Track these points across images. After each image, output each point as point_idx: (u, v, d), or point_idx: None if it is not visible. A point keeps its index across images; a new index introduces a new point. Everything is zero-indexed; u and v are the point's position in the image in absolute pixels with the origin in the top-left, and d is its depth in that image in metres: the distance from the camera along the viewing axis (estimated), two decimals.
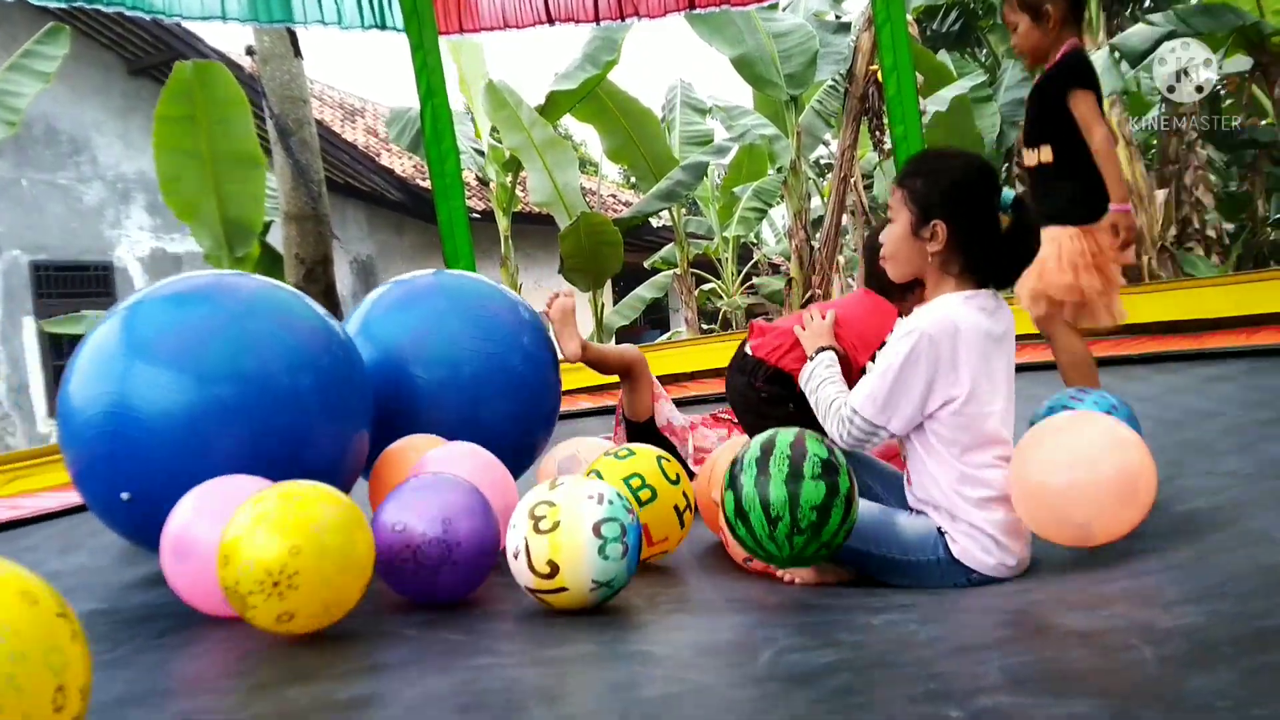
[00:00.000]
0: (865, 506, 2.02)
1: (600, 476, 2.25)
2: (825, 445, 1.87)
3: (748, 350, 2.64)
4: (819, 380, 2.16)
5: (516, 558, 1.90)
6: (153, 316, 2.42)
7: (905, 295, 2.45)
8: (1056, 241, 2.81)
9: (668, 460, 2.32)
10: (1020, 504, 1.92)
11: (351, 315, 3.06)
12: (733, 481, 1.87)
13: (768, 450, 1.84)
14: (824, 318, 2.40)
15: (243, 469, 2.17)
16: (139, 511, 2.32)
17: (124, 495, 2.30)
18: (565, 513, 1.86)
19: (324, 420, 2.46)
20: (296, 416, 2.38)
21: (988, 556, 1.93)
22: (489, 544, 2.03)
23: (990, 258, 2.02)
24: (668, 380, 7.02)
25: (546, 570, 1.84)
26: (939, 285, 2.02)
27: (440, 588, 2.02)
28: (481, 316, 2.93)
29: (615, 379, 3.16)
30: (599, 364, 3.14)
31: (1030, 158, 2.89)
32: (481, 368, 2.84)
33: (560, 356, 3.14)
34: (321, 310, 2.64)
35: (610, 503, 1.89)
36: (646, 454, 2.32)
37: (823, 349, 2.24)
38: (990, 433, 1.96)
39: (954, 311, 1.95)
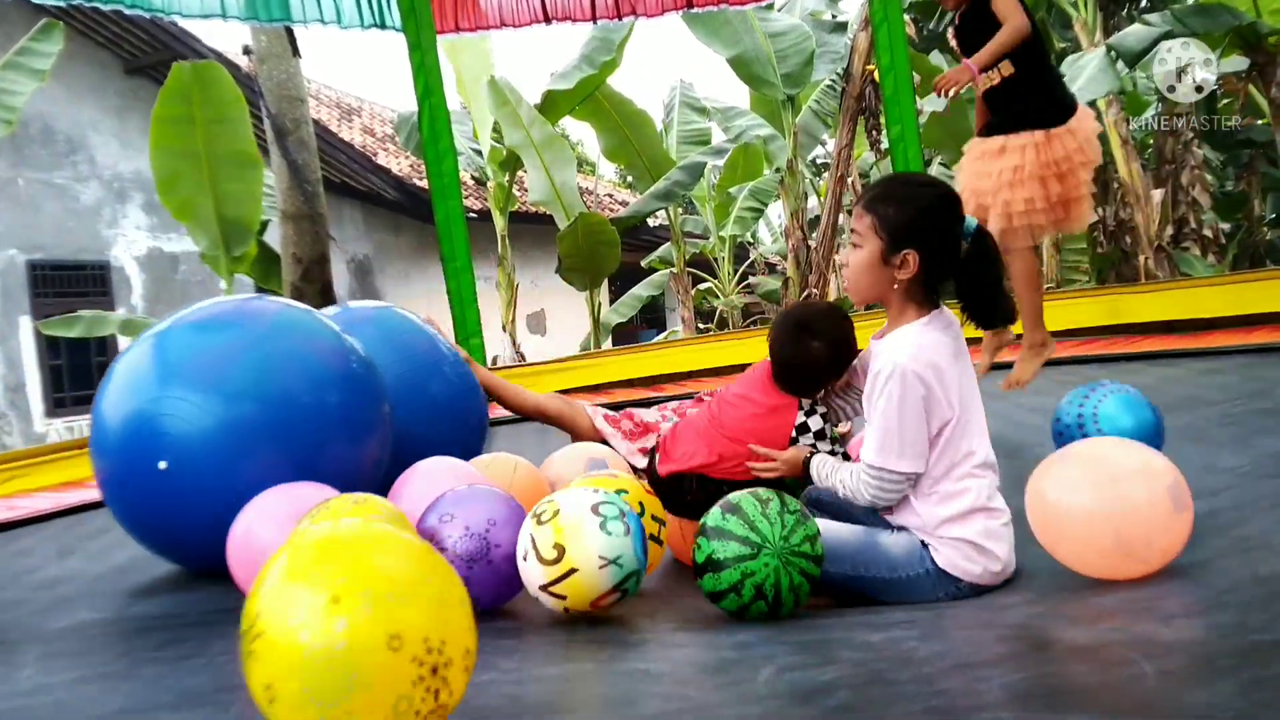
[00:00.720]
0: (847, 529, 2.05)
1: None
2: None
3: (660, 474, 2.53)
4: (828, 473, 2.14)
5: (526, 559, 1.93)
6: (180, 341, 2.52)
7: (816, 389, 2.42)
8: (1021, 152, 3.04)
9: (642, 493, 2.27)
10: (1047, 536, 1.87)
11: None
12: (702, 531, 1.91)
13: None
14: (719, 419, 2.46)
15: (268, 484, 2.24)
16: (164, 525, 2.39)
17: (161, 464, 2.35)
18: (563, 501, 1.94)
19: (344, 436, 2.52)
20: (319, 433, 2.45)
21: (972, 565, 1.95)
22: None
23: (949, 283, 2.06)
24: (666, 380, 7.07)
25: (554, 555, 1.88)
26: (903, 313, 2.03)
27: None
28: (403, 345, 3.05)
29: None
30: (498, 396, 3.23)
31: (987, 80, 3.09)
32: (404, 392, 2.88)
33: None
34: (339, 329, 2.68)
35: (605, 492, 1.99)
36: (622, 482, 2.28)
37: (806, 459, 2.23)
38: (969, 446, 1.98)
39: (924, 340, 1.97)
